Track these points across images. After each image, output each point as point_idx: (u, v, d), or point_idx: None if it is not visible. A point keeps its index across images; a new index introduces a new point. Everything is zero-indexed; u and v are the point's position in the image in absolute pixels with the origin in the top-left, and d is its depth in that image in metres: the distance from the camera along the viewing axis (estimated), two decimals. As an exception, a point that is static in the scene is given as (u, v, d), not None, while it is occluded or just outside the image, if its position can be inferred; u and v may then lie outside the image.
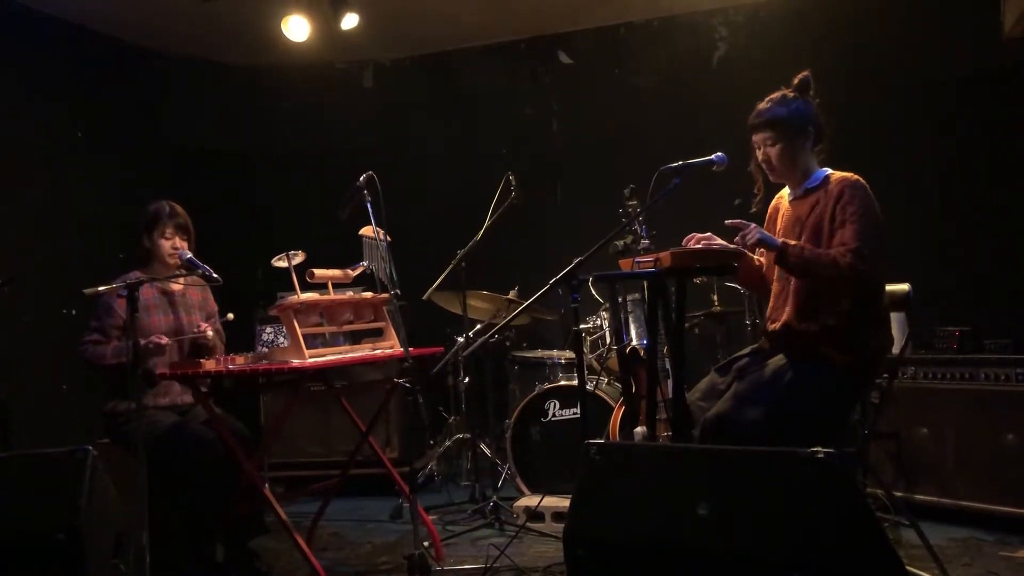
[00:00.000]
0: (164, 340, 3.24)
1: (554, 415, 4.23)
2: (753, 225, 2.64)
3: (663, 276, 2.76)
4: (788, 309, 2.75)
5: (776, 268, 2.79)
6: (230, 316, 3.54)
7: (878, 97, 4.82)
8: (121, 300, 3.17)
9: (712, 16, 5.34)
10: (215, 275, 3.22)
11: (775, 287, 2.87)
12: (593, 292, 4.41)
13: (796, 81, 2.80)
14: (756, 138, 2.82)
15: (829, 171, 2.79)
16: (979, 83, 4.57)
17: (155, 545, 2.79)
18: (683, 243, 2.81)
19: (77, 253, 4.79)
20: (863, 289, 2.63)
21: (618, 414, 3.95)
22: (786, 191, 2.93)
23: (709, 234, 2.83)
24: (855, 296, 2.64)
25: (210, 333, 3.43)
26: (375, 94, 6.07)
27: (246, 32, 5.25)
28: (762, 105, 2.79)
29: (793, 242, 2.65)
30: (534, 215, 4.71)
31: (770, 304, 2.88)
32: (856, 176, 2.72)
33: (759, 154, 2.83)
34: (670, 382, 2.84)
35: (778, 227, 2.91)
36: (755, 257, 3.00)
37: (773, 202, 3.00)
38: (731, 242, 2.76)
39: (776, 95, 2.79)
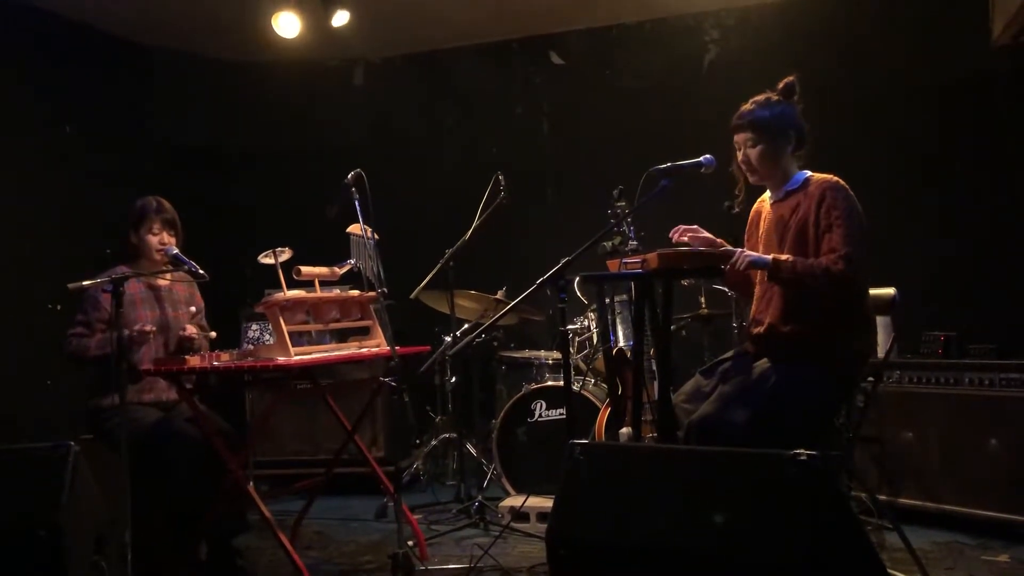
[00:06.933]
0: (149, 327, 3.22)
1: (540, 415, 4.23)
2: (742, 251, 2.67)
3: (650, 277, 2.76)
4: (772, 312, 2.75)
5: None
6: (213, 334, 3.51)
7: (867, 101, 4.83)
8: (107, 294, 3.15)
9: (703, 19, 5.34)
10: (201, 271, 3.20)
11: (758, 290, 2.87)
12: (579, 293, 4.41)
13: (781, 85, 2.81)
14: (738, 138, 2.83)
15: (809, 173, 2.80)
16: (967, 89, 4.59)
17: (137, 542, 2.77)
18: (670, 235, 2.82)
19: (63, 248, 4.75)
20: (847, 292, 2.64)
21: (604, 415, 3.95)
22: (767, 194, 2.94)
23: (696, 226, 2.85)
24: (839, 299, 2.64)
25: (196, 338, 3.40)
26: (365, 92, 6.04)
27: (236, 28, 5.22)
28: (746, 107, 2.80)
29: (784, 257, 2.64)
30: (523, 215, 4.70)
31: (753, 307, 2.89)
32: (836, 178, 2.73)
33: (740, 155, 2.84)
34: (656, 383, 2.85)
35: (761, 231, 2.92)
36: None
37: (755, 206, 3.01)
38: (717, 235, 2.79)
39: (760, 98, 2.80)
